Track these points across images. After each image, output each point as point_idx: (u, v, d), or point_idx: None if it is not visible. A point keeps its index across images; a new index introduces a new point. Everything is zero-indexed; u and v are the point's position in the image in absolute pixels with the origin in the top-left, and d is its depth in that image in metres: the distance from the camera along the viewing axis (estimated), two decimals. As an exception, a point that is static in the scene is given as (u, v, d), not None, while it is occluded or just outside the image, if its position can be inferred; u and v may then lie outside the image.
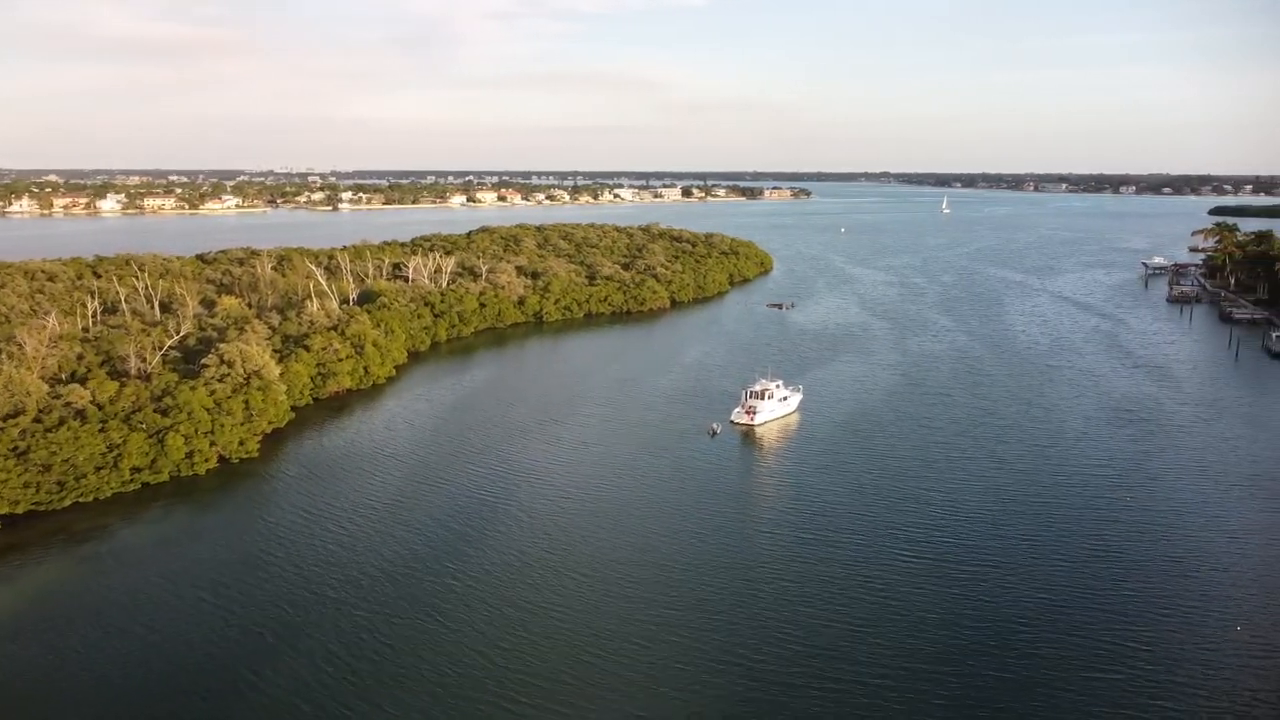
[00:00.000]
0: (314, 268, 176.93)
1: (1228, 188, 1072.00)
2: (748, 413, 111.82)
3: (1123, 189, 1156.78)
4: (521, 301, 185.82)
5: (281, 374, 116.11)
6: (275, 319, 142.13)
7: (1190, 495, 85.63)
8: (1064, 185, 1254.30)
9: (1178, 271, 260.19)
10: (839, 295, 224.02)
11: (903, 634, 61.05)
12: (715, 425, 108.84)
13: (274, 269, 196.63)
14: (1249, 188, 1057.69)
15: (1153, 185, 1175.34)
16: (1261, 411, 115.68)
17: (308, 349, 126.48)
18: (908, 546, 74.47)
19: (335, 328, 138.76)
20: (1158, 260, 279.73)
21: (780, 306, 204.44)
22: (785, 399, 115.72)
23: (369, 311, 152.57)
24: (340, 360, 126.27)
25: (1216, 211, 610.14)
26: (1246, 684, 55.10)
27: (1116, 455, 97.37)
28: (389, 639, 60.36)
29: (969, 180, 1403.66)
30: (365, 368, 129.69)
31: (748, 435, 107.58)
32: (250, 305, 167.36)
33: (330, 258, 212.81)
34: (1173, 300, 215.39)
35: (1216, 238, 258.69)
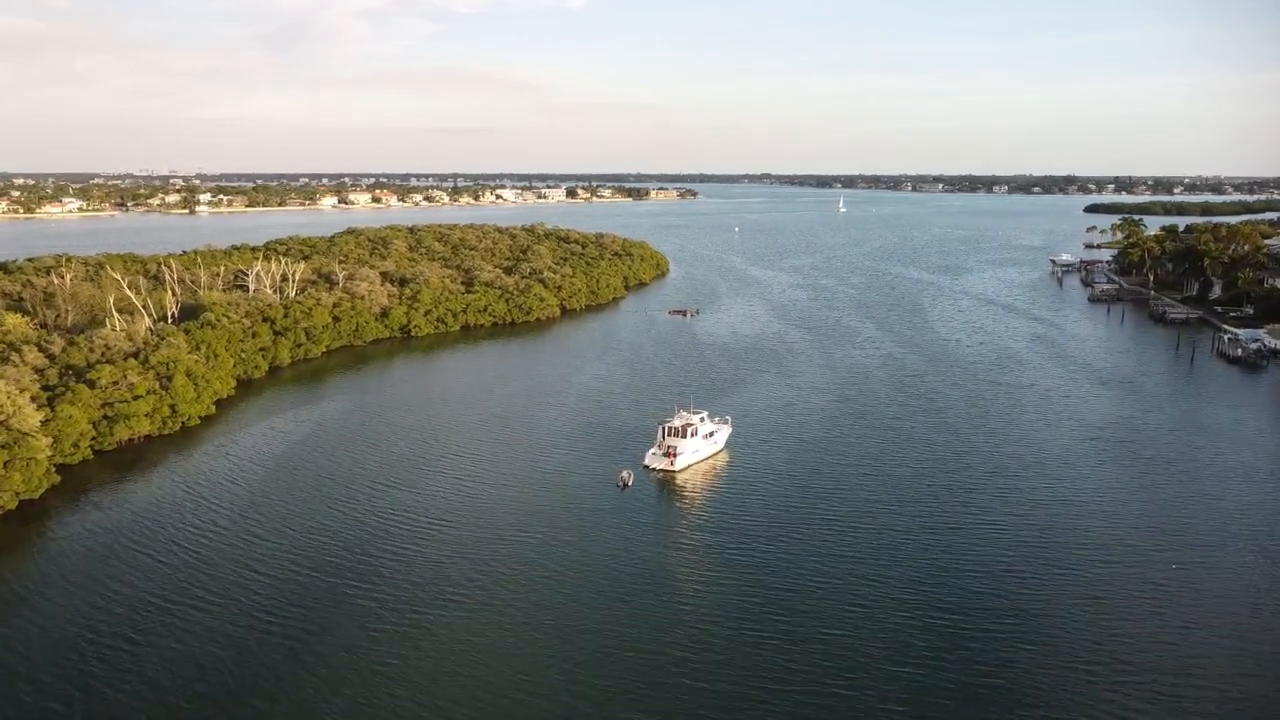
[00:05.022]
0: (120, 277, 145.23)
1: (1091, 187, 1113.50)
2: (667, 455, 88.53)
3: (996, 188, 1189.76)
4: (385, 313, 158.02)
5: (46, 421, 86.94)
6: (59, 345, 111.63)
7: (1262, 563, 66.07)
8: (940, 185, 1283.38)
9: (1087, 269, 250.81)
10: (746, 300, 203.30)
11: None
12: (626, 473, 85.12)
13: (87, 279, 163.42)
14: (1111, 187, 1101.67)
15: (1023, 185, 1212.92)
16: (1256, 434, 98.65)
17: (91, 384, 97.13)
18: (895, 650, 52.33)
19: (137, 354, 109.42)
20: (1065, 257, 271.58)
21: (684, 314, 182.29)
22: (711, 434, 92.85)
23: (188, 331, 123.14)
24: (135, 398, 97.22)
25: (1091, 209, 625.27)
26: None
27: (1130, 503, 77.76)
28: None
29: (849, 181, 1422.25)
30: (172, 406, 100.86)
31: (668, 484, 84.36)
32: (45, 325, 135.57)
33: (161, 265, 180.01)
34: (1095, 300, 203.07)
35: (1125, 233, 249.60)
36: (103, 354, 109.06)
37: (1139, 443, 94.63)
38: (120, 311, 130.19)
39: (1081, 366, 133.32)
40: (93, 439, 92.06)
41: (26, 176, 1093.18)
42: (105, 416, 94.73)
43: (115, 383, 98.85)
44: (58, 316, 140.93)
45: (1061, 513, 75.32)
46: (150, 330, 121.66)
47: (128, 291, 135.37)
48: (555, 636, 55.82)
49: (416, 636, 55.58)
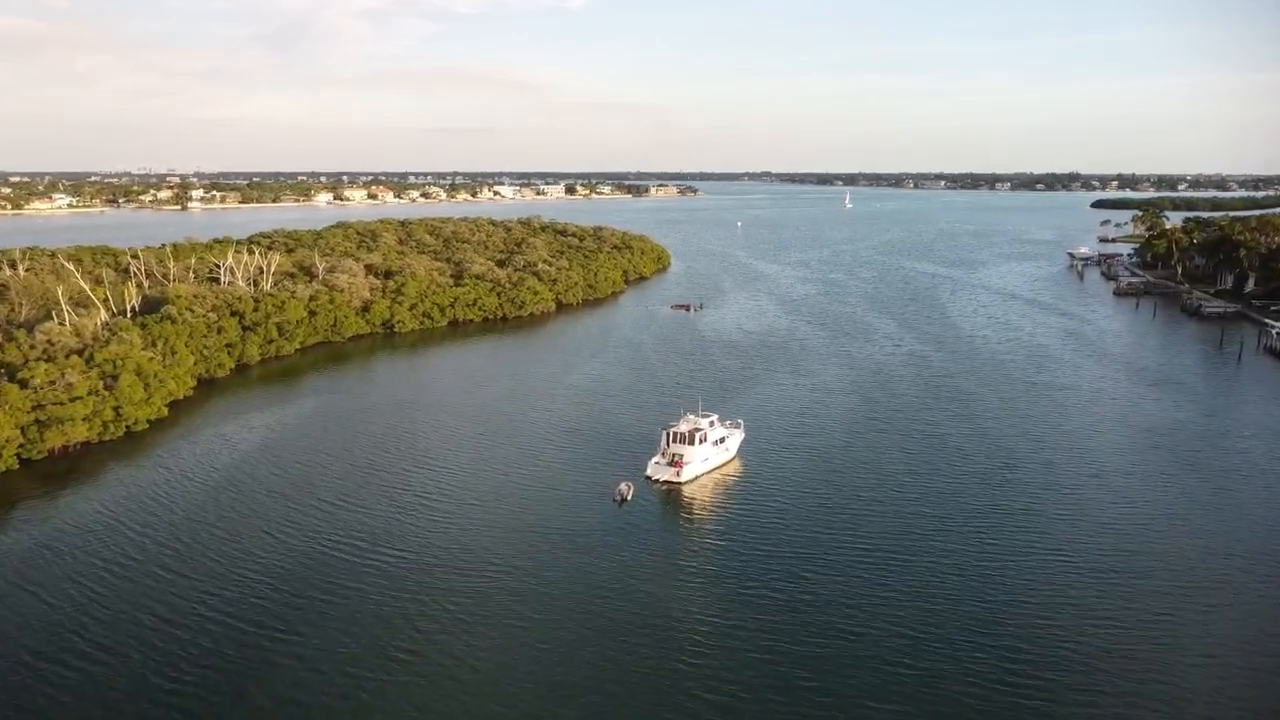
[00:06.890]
0: (74, 269, 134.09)
1: (1095, 184, 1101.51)
2: (672, 464, 77.66)
3: (998, 185, 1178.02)
4: (366, 308, 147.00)
5: (-38, 427, 76.11)
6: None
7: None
8: (942, 183, 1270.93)
9: (1108, 262, 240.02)
10: (753, 295, 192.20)
11: None
12: (624, 486, 74.14)
13: (52, 273, 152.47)
14: (1115, 183, 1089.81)
15: (1025, 182, 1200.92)
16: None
17: (23, 384, 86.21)
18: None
19: (83, 350, 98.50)
20: (1084, 251, 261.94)
21: (687, 309, 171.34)
22: (722, 440, 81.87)
23: (144, 325, 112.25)
24: (73, 399, 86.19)
25: (1099, 205, 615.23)
26: None
27: (1213, 526, 66.67)
28: None
29: (850, 179, 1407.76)
30: (115, 408, 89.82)
31: (673, 498, 73.46)
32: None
33: (135, 258, 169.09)
34: (1121, 293, 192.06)
35: (1147, 225, 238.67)
36: (44, 351, 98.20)
37: (1206, 451, 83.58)
38: (79, 306, 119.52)
39: (1122, 365, 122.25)
40: (20, 446, 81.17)
41: (25, 175, 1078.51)
42: (37, 420, 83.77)
43: (51, 382, 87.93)
44: (11, 311, 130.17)
45: (1140, 539, 64.14)
46: (104, 325, 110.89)
47: (81, 283, 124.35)
48: (529, 702, 44.83)
49: (344, 713, 44.41)
